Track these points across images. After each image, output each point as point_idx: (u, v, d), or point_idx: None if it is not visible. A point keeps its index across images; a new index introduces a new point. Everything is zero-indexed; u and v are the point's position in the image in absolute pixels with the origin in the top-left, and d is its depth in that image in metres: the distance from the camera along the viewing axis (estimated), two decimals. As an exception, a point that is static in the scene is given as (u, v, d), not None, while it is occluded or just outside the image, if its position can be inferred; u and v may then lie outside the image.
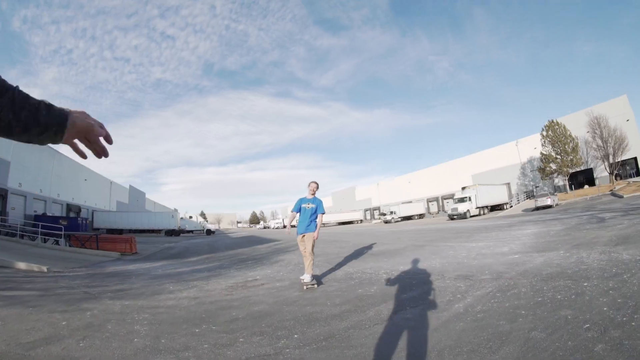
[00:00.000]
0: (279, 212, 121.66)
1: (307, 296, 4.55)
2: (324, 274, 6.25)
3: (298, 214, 5.55)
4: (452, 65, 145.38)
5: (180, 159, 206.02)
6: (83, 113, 0.79)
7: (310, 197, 5.52)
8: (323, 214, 5.59)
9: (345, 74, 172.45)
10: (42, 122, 0.70)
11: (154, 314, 3.98)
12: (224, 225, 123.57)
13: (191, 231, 41.45)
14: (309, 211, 5.43)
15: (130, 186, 56.92)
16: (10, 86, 0.67)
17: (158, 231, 38.02)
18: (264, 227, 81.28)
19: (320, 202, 5.57)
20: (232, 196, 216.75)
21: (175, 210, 53.47)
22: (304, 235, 5.44)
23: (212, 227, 49.19)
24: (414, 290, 4.36)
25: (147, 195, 66.18)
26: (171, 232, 37.20)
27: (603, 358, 2.04)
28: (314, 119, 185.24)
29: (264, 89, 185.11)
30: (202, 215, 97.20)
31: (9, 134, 0.68)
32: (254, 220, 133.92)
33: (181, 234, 38.51)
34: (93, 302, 4.79)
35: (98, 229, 33.80)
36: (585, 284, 3.59)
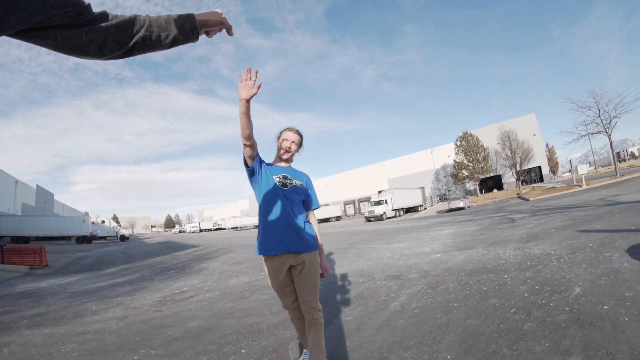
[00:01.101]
0: (195, 215, 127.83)
1: (242, 307, 4.64)
2: (252, 282, 6.40)
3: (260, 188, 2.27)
4: (377, 75, 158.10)
5: (93, 156, 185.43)
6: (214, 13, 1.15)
7: (285, 164, 2.38)
8: (317, 208, 2.58)
9: (271, 76, 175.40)
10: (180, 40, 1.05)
11: (82, 343, 3.76)
12: (137, 230, 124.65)
13: (104, 237, 41.26)
14: (293, 194, 2.29)
15: (37, 186, 50.44)
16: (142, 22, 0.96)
17: (68, 238, 36.50)
18: (180, 232, 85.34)
19: (310, 180, 2.52)
20: (146, 198, 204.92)
21: (87, 213, 48.63)
22: (292, 265, 2.26)
23: (126, 232, 49.30)
24: (348, 293, 4.66)
25: (55, 197, 59.56)
26: (82, 239, 36.05)
27: (532, 333, 2.55)
28: (234, 118, 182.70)
29: (187, 84, 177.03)
30: (115, 219, 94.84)
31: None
32: (169, 224, 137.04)
33: (93, 241, 38.09)
34: (8, 334, 4.37)
35: (2, 237, 31.23)
36: (506, 276, 4.33)
